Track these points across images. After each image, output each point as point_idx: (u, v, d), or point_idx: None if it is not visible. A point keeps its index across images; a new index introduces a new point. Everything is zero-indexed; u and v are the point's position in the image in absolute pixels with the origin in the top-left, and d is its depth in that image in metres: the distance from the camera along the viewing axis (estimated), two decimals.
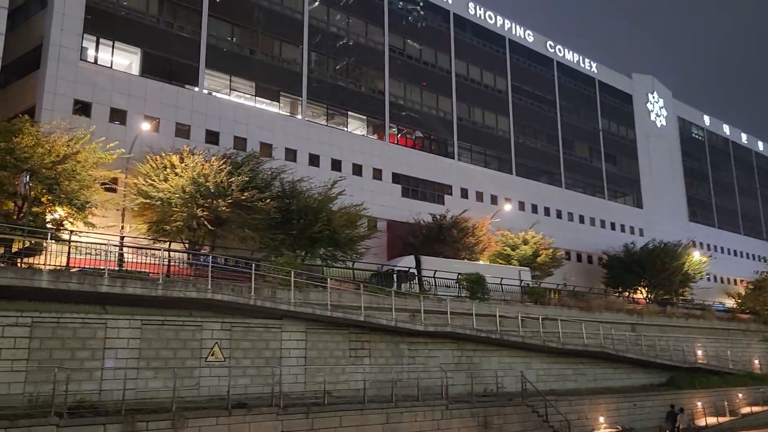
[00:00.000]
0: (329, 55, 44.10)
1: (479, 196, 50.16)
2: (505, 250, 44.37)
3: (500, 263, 42.50)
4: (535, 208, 54.27)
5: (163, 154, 29.29)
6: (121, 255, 24.09)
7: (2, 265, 19.33)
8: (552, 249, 45.85)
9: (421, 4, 50.92)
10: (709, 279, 64.22)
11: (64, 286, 19.20)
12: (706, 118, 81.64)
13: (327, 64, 44.07)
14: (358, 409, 22.75)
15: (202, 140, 34.88)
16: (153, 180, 28.33)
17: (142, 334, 21.19)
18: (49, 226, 24.01)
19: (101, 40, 33.23)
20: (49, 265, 19.94)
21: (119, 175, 28.55)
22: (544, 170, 57.48)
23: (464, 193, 49.19)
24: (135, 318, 21.13)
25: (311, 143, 40.67)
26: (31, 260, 21.25)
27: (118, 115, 32.69)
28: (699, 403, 34.83)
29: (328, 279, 26.56)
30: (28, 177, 21.92)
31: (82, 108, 31.40)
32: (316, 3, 43.88)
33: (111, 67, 33.32)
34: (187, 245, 29.04)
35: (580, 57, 64.59)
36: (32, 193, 22.83)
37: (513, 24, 58.17)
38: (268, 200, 29.65)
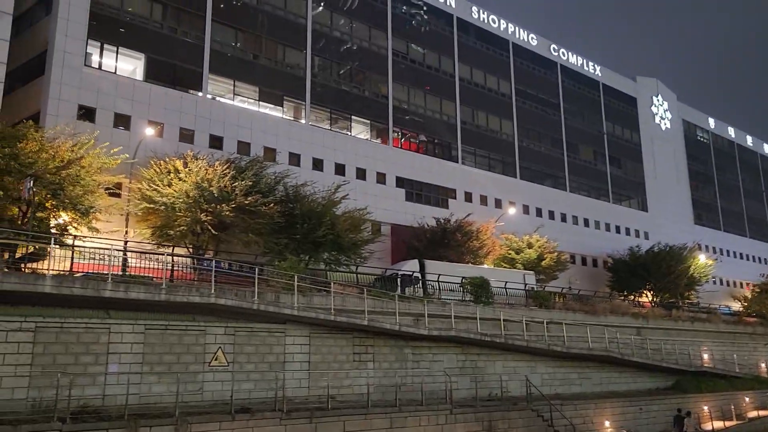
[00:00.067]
0: (333, 60, 44.18)
1: (483, 200, 50.10)
2: (510, 254, 44.30)
3: (505, 267, 42.39)
4: (539, 212, 54.15)
5: (167, 159, 29.37)
6: (124, 260, 24.12)
7: (6, 270, 19.35)
8: (557, 252, 45.75)
9: (425, 8, 50.99)
10: (714, 282, 63.98)
11: (68, 291, 19.19)
12: (711, 121, 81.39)
13: (330, 68, 44.15)
14: (362, 413, 22.64)
15: (206, 145, 34.94)
16: (157, 185, 28.38)
17: (146, 338, 21.17)
18: (53, 231, 24.07)
19: (105, 45, 33.38)
20: (53, 270, 19.97)
21: (123, 180, 28.64)
22: (548, 173, 57.37)
23: (468, 197, 49.11)
24: (138, 323, 21.13)
25: (315, 147, 40.70)
26: (35, 265, 21.29)
27: (122, 121, 32.78)
28: (705, 407, 34.61)
29: (332, 283, 26.53)
30: (31, 182, 21.97)
31: (87, 113, 31.51)
32: (320, 8, 43.97)
33: (115, 73, 33.45)
34: (191, 250, 29.09)
35: (584, 60, 64.52)
36: (36, 198, 22.91)
37: (516, 27, 58.17)
38: (272, 205, 29.65)
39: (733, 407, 35.79)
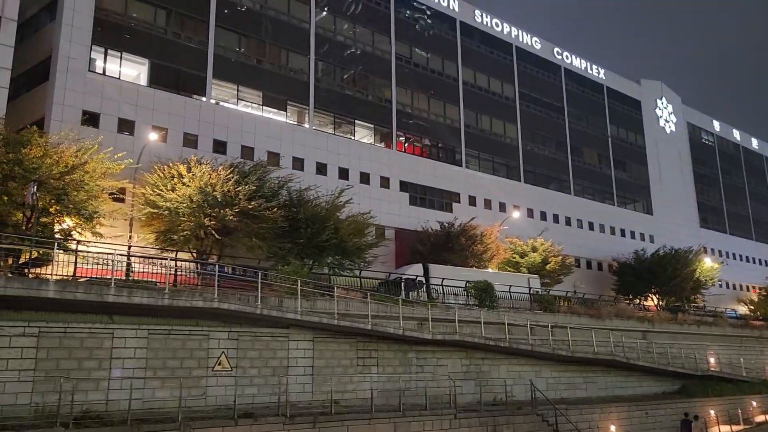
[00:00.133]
0: (336, 64, 44.23)
1: (487, 204, 50.01)
2: (514, 258, 44.16)
3: (509, 271, 42.26)
4: (543, 215, 54.01)
5: (171, 164, 29.39)
6: (128, 264, 24.14)
7: (10, 275, 19.36)
8: (561, 256, 45.59)
9: (428, 12, 51.03)
10: (720, 286, 63.60)
11: (71, 296, 19.20)
12: (716, 124, 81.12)
13: (334, 73, 44.19)
14: (366, 418, 22.55)
15: (210, 150, 35.01)
16: (161, 190, 28.40)
17: (149, 343, 21.17)
18: (57, 236, 24.10)
19: (109, 51, 33.50)
20: (57, 275, 19.98)
21: (127, 185, 28.65)
22: (552, 177, 57.25)
23: (472, 201, 49.04)
24: (142, 327, 21.13)
25: (318, 152, 40.73)
26: (38, 270, 21.32)
27: (126, 126, 32.87)
28: (712, 412, 34.39)
29: (335, 288, 26.49)
30: (35, 187, 22.00)
31: (91, 118, 31.60)
32: (323, 13, 44.05)
33: (119, 78, 33.55)
34: (194, 255, 29.09)
35: (588, 63, 64.44)
36: (40, 203, 22.94)
37: (520, 31, 58.15)
38: (276, 209, 29.63)
39: (740, 411, 35.58)
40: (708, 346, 41.59)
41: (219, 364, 22.38)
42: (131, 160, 28.22)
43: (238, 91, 38.39)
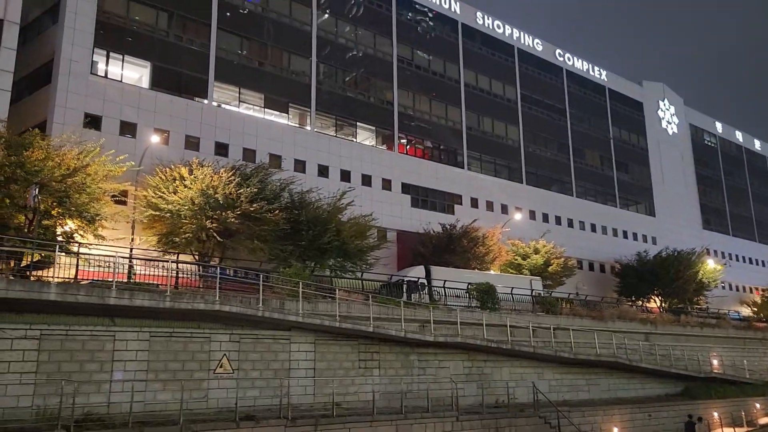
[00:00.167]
0: (338, 67, 44.26)
1: (489, 206, 49.95)
2: (516, 260, 44.11)
3: (511, 273, 42.22)
4: (546, 217, 53.94)
5: (173, 167, 29.43)
6: (130, 267, 24.14)
7: (12, 278, 19.39)
8: (563, 258, 45.49)
9: (430, 14, 51.06)
10: (723, 287, 63.51)
11: (72, 299, 19.22)
12: (719, 125, 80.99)
13: (336, 75, 44.23)
14: (368, 421, 22.55)
15: (212, 152, 35.02)
16: (162, 192, 28.44)
17: (151, 346, 21.18)
18: (59, 238, 24.12)
19: (111, 53, 33.55)
20: (58, 277, 20.00)
21: (129, 188, 28.69)
22: (554, 179, 57.19)
23: (474, 203, 49.01)
24: (143, 330, 21.15)
25: (320, 154, 40.73)
26: (40, 273, 21.33)
27: (128, 128, 32.90)
28: (715, 414, 34.28)
29: (337, 290, 26.48)
30: (36, 190, 22.03)
31: (93, 121, 31.62)
32: (325, 15, 44.11)
33: (121, 81, 33.59)
34: (196, 257, 29.10)
35: (590, 65, 64.40)
36: (42, 206, 22.96)
37: (521, 33, 58.14)
38: (277, 211, 29.65)
39: (743, 413, 35.46)
40: (711, 348, 41.50)
41: (220, 367, 22.38)
42: (133, 163, 28.26)
43: (239, 93, 38.41)
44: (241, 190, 28.60)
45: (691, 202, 71.88)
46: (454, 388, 26.02)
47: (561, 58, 61.34)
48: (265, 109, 39.31)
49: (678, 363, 36.96)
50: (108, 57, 33.40)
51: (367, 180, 42.78)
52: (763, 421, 36.74)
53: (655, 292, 50.55)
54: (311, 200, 33.17)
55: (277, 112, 39.91)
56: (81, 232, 25.24)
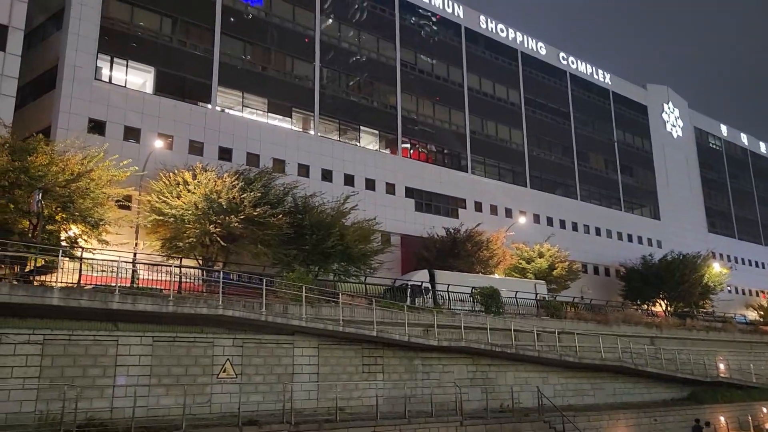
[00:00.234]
0: (341, 71, 44.31)
1: (493, 210, 49.87)
2: (521, 264, 44.01)
3: (515, 277, 42.09)
4: (550, 221, 53.81)
5: (177, 171, 29.47)
6: (134, 272, 24.15)
7: (15, 282, 19.41)
8: (568, 262, 45.39)
9: (433, 19, 51.10)
10: (730, 291, 63.17)
11: (75, 303, 19.21)
12: (724, 128, 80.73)
13: (339, 79, 44.28)
14: (371, 425, 22.43)
15: (215, 157, 35.06)
16: (166, 197, 28.48)
17: (154, 350, 21.16)
18: (63, 243, 24.16)
19: (115, 59, 33.67)
20: (61, 282, 20.00)
21: (133, 193, 28.72)
22: (559, 182, 57.06)
23: (478, 207, 48.91)
24: (146, 335, 21.12)
25: (324, 158, 40.74)
26: (44, 278, 21.34)
27: (132, 133, 32.99)
28: (722, 418, 34.03)
29: (341, 294, 26.42)
30: (40, 195, 22.07)
31: (97, 126, 31.72)
32: (329, 20, 44.18)
33: (125, 86, 33.70)
34: (200, 261, 29.12)
35: (594, 68, 64.32)
36: (46, 211, 23.01)
37: (525, 37, 58.12)
38: (281, 216, 29.64)
39: (750, 418, 35.16)
40: (717, 352, 41.20)
41: (224, 371, 22.33)
42: (137, 168, 28.29)
43: (243, 98, 38.50)
44: (245, 195, 28.62)
45: (696, 205, 71.61)
46: (458, 393, 25.92)
47: (564, 62, 61.29)
48: (269, 114, 39.36)
49: (684, 367, 36.71)
50: (112, 62, 33.53)
51: (370, 184, 42.77)
52: None
53: (661, 295, 50.39)
54: (315, 204, 33.17)
55: (281, 117, 39.96)
56: (85, 237, 25.30)
